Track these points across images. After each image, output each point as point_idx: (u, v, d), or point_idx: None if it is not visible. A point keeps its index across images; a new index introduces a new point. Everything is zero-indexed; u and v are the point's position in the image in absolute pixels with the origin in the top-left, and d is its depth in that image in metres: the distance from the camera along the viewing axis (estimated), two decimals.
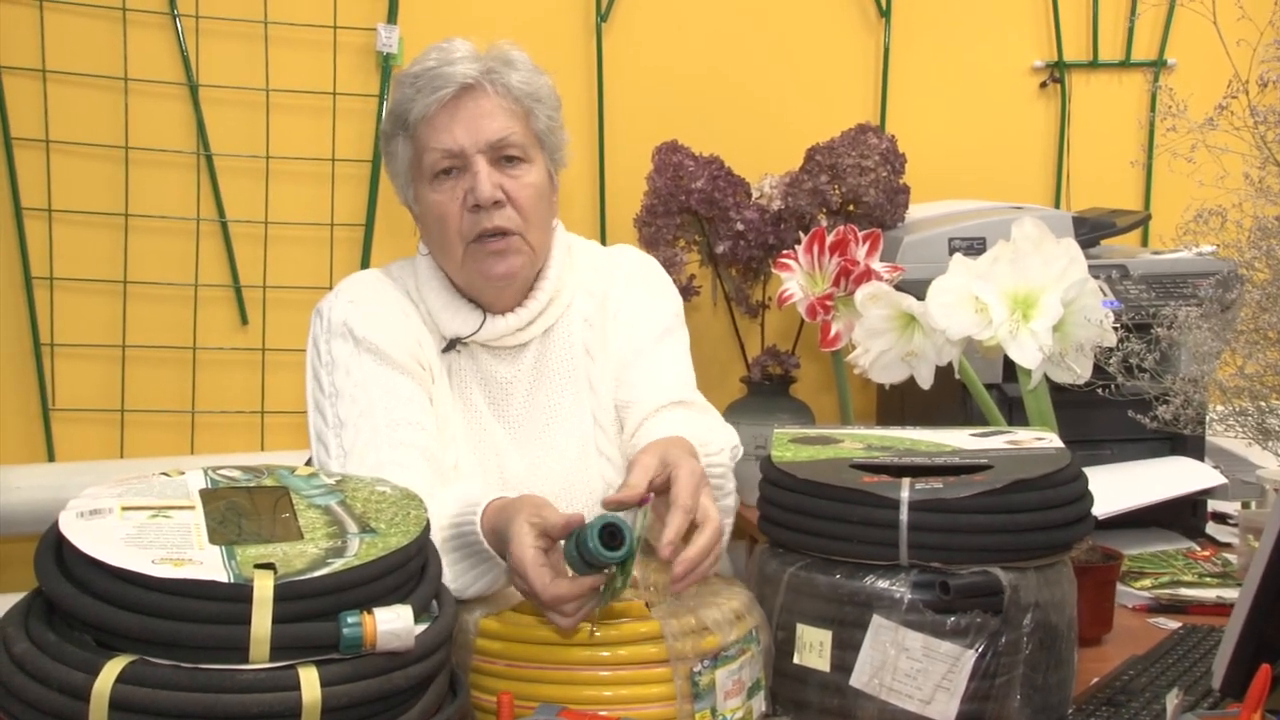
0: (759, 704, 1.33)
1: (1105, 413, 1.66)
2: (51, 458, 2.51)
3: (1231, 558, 1.95)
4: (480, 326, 1.65)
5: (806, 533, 1.36)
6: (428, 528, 1.21)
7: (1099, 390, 1.59)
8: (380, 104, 2.59)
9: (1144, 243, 2.84)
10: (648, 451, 1.41)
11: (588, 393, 1.69)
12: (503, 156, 1.61)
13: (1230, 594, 1.78)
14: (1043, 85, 2.89)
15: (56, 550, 1.11)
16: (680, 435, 1.48)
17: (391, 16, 2.58)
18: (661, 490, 1.36)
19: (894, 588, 1.29)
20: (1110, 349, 1.58)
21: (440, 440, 1.61)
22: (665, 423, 1.59)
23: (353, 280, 1.72)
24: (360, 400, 1.58)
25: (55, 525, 1.12)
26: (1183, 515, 2.11)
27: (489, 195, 1.59)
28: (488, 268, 1.62)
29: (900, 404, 2.37)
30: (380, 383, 1.59)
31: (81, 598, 1.06)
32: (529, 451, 1.66)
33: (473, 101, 1.60)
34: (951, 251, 2.20)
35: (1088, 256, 1.65)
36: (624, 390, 1.68)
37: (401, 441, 1.55)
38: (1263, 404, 1.53)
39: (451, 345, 1.66)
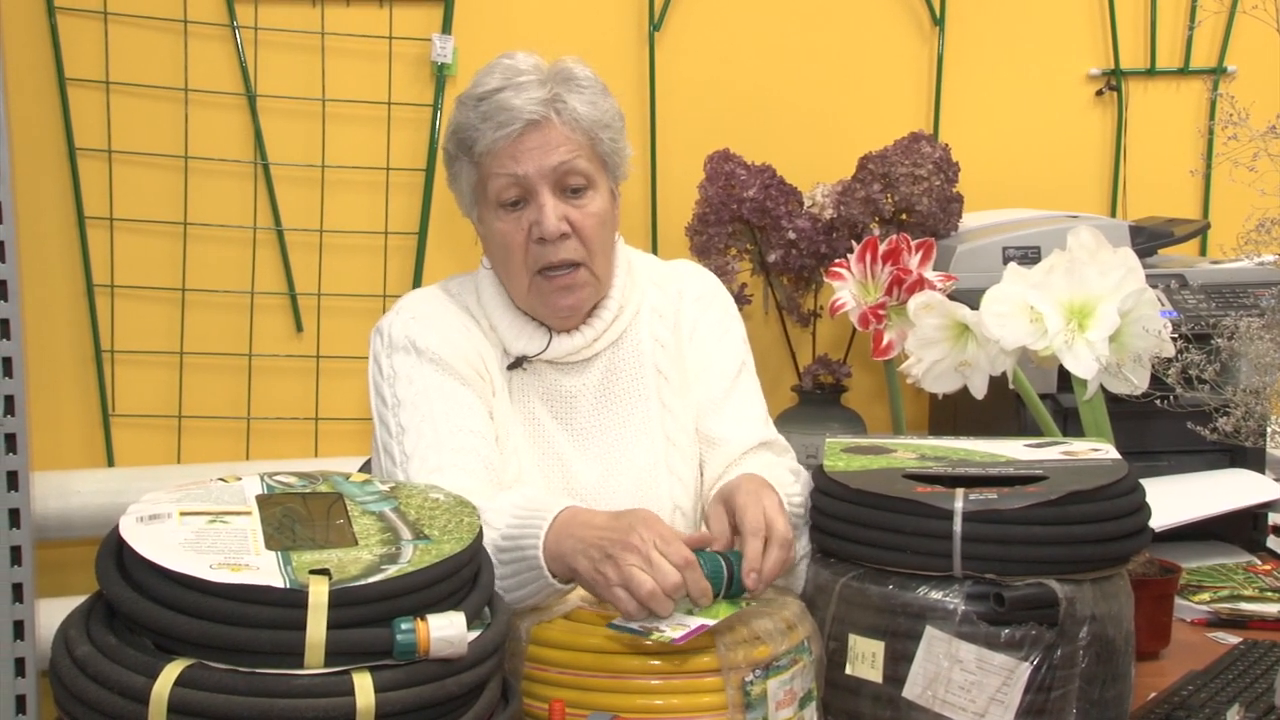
0: (811, 714, 1.33)
1: (1162, 424, 1.65)
2: (111, 463, 2.54)
3: None
4: (547, 346, 1.66)
5: (859, 543, 1.36)
6: (480, 535, 1.21)
7: (1156, 401, 1.58)
8: (435, 114, 2.61)
9: (1202, 252, 2.80)
10: (714, 502, 1.46)
11: (660, 410, 1.70)
12: (568, 186, 1.62)
13: None
14: (1099, 93, 2.87)
15: (117, 554, 1.12)
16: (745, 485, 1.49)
17: (446, 27, 2.60)
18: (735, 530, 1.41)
19: (947, 599, 1.29)
20: (1168, 359, 1.57)
21: (500, 452, 1.62)
22: (749, 468, 1.60)
23: (412, 298, 1.73)
24: (422, 407, 1.59)
25: (116, 530, 1.13)
26: (1243, 528, 2.09)
27: (554, 230, 1.59)
28: (554, 301, 1.63)
29: (953, 414, 2.35)
30: (442, 391, 1.61)
31: (141, 601, 1.07)
32: (598, 462, 1.67)
33: (539, 134, 1.60)
34: (1006, 261, 2.21)
35: (1145, 266, 1.64)
36: (707, 426, 1.70)
37: (461, 446, 1.56)
38: None
39: (517, 363, 1.67)
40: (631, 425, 1.69)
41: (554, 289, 1.63)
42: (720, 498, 1.45)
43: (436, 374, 1.62)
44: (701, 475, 1.69)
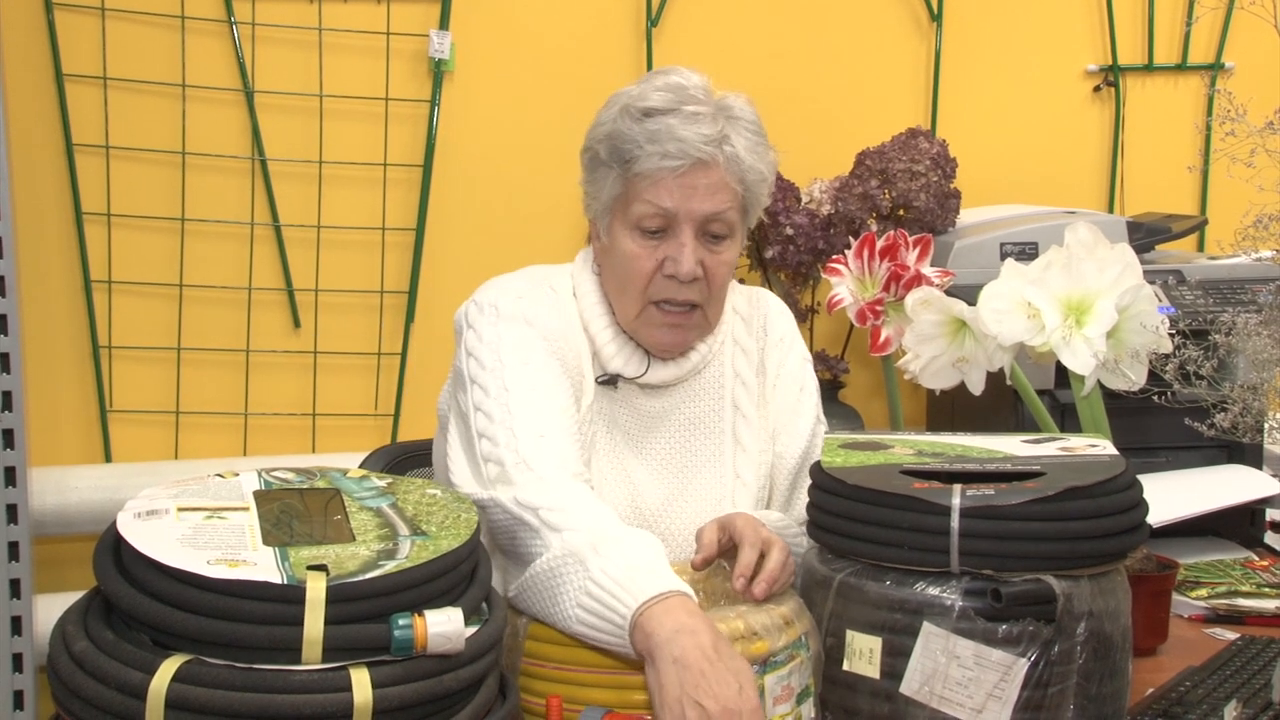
0: (808, 710, 1.33)
1: (1160, 420, 1.64)
2: (109, 459, 2.54)
3: None
4: (645, 370, 1.66)
5: (856, 539, 1.36)
6: (478, 530, 1.22)
7: (1154, 397, 1.58)
8: (432, 110, 2.61)
9: (1200, 248, 2.81)
10: (708, 526, 1.47)
11: (733, 445, 1.70)
12: (710, 232, 1.61)
13: None
14: (1096, 89, 2.87)
15: (115, 550, 1.13)
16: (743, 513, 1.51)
17: (444, 23, 2.60)
18: (727, 550, 1.45)
19: (945, 595, 1.29)
20: (1166, 356, 1.57)
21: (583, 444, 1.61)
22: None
23: (513, 280, 1.68)
24: (531, 376, 1.57)
25: (113, 525, 1.13)
26: (1240, 524, 2.10)
27: (690, 272, 1.59)
28: (661, 336, 1.64)
29: (951, 410, 2.36)
30: (549, 368, 1.59)
31: (139, 597, 1.08)
32: (667, 486, 1.67)
33: (701, 174, 1.59)
34: (1003, 256, 2.21)
35: (1142, 262, 1.64)
36: (784, 483, 1.71)
37: (565, 425, 1.55)
38: None
39: (611, 380, 1.65)
40: (704, 455, 1.69)
41: (666, 324, 1.63)
42: (716, 522, 1.47)
43: (544, 352, 1.59)
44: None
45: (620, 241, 1.62)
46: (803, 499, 1.64)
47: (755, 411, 1.72)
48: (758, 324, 1.77)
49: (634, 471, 1.65)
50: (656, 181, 1.58)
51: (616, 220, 1.63)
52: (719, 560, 1.45)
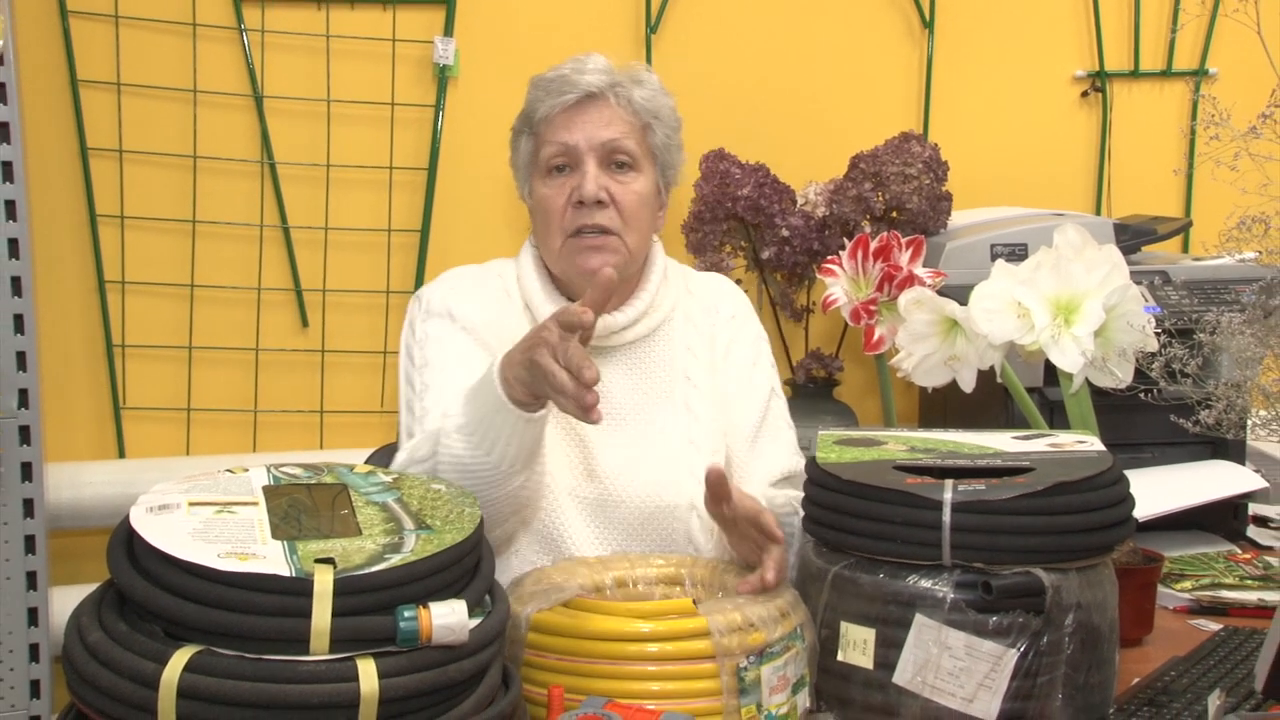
0: (803, 700, 1.34)
1: (1146, 416, 1.65)
2: (122, 454, 2.57)
3: (1273, 560, 1.94)
4: None
5: (850, 533, 1.37)
6: (481, 525, 1.23)
7: (1141, 394, 1.58)
8: (437, 114, 2.63)
9: (1185, 249, 2.81)
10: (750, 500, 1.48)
11: (686, 414, 1.74)
12: (614, 162, 1.68)
13: (1272, 597, 1.78)
14: (1084, 94, 2.88)
15: (127, 544, 1.13)
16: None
17: (448, 29, 2.62)
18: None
19: (937, 587, 1.30)
20: (1152, 354, 1.57)
21: None
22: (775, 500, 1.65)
23: (454, 271, 1.79)
24: (449, 369, 1.65)
25: (126, 519, 1.14)
26: (1224, 518, 2.10)
27: (593, 193, 1.66)
28: (583, 260, 1.68)
29: (943, 407, 2.37)
30: (470, 358, 1.65)
31: (151, 589, 1.08)
32: (621, 452, 1.70)
33: (594, 108, 1.68)
34: (994, 257, 2.21)
35: (1129, 263, 1.64)
36: (739, 457, 1.75)
37: None
38: None
39: None
40: (656, 423, 1.72)
41: (584, 247, 1.68)
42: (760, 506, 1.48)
43: (467, 341, 1.68)
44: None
45: (538, 191, 1.71)
46: (765, 470, 1.71)
47: (707, 381, 1.76)
48: (709, 300, 1.83)
49: (588, 434, 1.69)
50: (553, 121, 1.68)
51: (533, 177, 1.72)
52: (718, 558, 1.47)
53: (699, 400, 1.75)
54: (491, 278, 1.77)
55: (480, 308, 1.71)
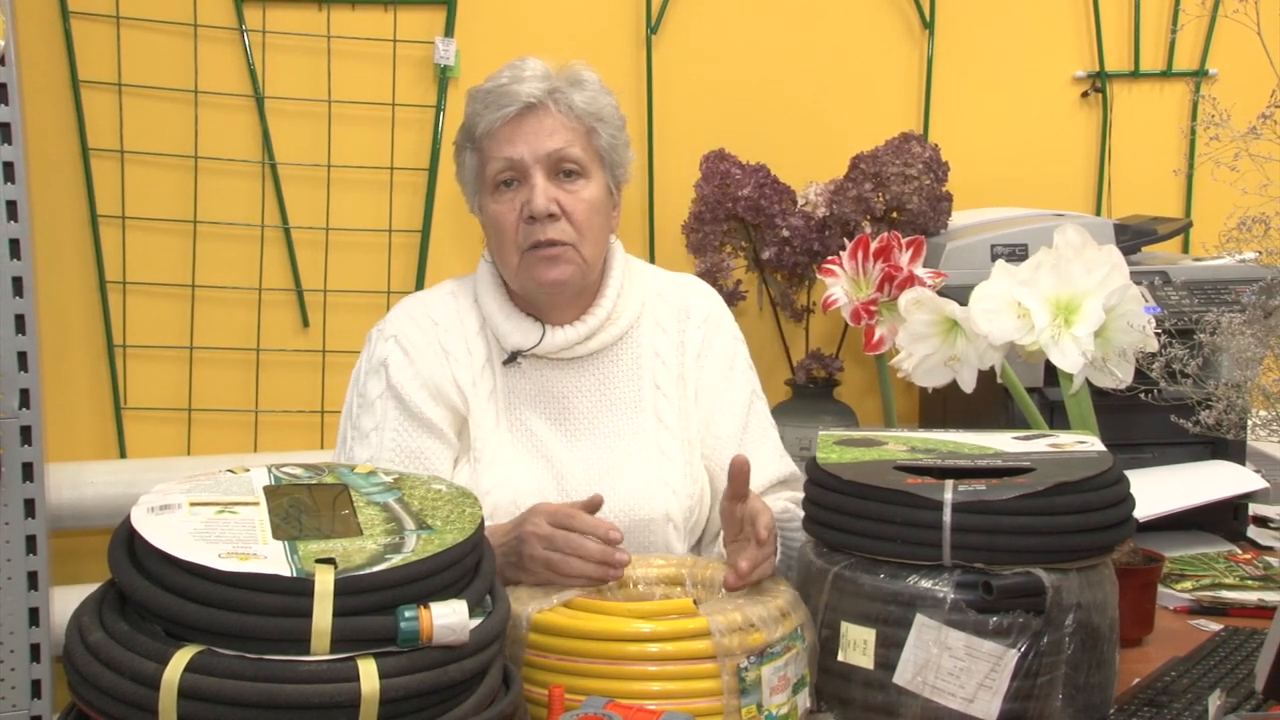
0: (804, 700, 1.34)
1: (1146, 417, 1.65)
2: (123, 454, 2.57)
3: (1273, 561, 1.94)
4: (540, 339, 1.68)
5: (851, 533, 1.37)
6: (482, 525, 1.22)
7: (1141, 395, 1.58)
8: (438, 115, 2.64)
9: (1185, 249, 2.81)
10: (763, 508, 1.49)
11: (655, 424, 1.72)
12: (561, 170, 1.65)
13: (1272, 597, 1.77)
14: (1084, 95, 2.89)
15: (128, 544, 1.13)
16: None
17: (449, 30, 2.62)
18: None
19: (937, 588, 1.30)
20: (1152, 354, 1.57)
21: (479, 459, 1.66)
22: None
23: (407, 309, 1.75)
24: (372, 445, 1.66)
25: (127, 520, 1.14)
26: (1224, 519, 2.09)
27: (543, 208, 1.63)
28: (539, 273, 1.65)
29: (943, 407, 2.37)
30: (397, 439, 1.66)
31: (152, 589, 1.08)
32: (591, 466, 1.68)
33: (535, 119, 1.65)
34: (994, 258, 2.21)
35: (1129, 263, 1.64)
36: (725, 459, 1.69)
37: None
38: None
39: (513, 358, 1.69)
40: (626, 434, 1.71)
41: (539, 259, 1.65)
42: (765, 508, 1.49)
43: (398, 417, 1.66)
44: (712, 501, 1.72)
45: (488, 208, 1.68)
46: (754, 479, 1.67)
47: (675, 389, 1.74)
48: (679, 305, 1.79)
49: (555, 450, 1.68)
50: (496, 135, 1.65)
51: (481, 194, 1.70)
52: (717, 553, 1.47)
53: (668, 408, 1.73)
54: (450, 304, 1.73)
55: (416, 370, 1.68)
